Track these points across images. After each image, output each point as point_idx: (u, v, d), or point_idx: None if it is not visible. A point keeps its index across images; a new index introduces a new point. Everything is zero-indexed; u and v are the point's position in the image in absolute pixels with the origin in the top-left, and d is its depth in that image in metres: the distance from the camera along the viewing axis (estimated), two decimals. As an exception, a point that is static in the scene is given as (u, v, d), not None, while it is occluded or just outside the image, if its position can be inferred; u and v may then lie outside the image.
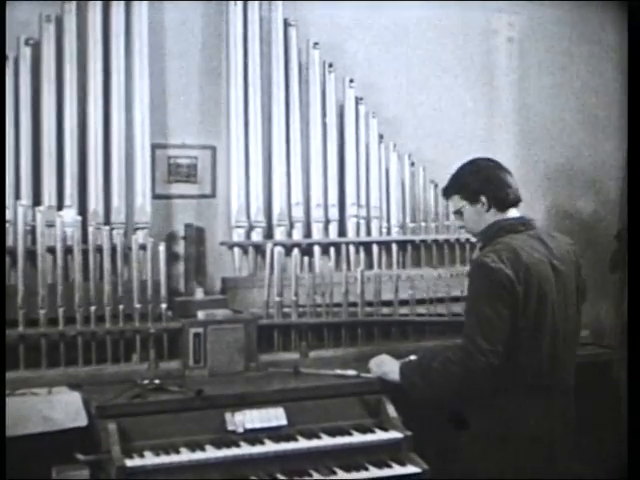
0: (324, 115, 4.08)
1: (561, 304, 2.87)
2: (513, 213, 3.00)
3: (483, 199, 2.97)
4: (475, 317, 2.79)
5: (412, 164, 4.23)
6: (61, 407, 2.94)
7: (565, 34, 4.76)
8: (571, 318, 2.92)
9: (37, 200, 3.54)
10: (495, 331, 2.74)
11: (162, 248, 3.48)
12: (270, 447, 2.95)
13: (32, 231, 3.38)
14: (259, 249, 3.92)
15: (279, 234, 3.96)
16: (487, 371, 2.74)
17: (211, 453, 2.87)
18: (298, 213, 4.01)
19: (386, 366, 3.22)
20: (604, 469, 3.83)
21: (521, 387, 2.81)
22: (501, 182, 3.00)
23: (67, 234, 3.41)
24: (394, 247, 4.16)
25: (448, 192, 3.12)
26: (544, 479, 2.84)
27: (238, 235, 3.90)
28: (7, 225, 3.43)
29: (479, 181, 2.99)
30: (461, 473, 2.91)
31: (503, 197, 2.98)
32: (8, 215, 3.43)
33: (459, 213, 3.07)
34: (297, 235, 4.01)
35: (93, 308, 3.34)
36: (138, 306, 3.39)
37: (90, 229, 3.42)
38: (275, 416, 3.04)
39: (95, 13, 3.64)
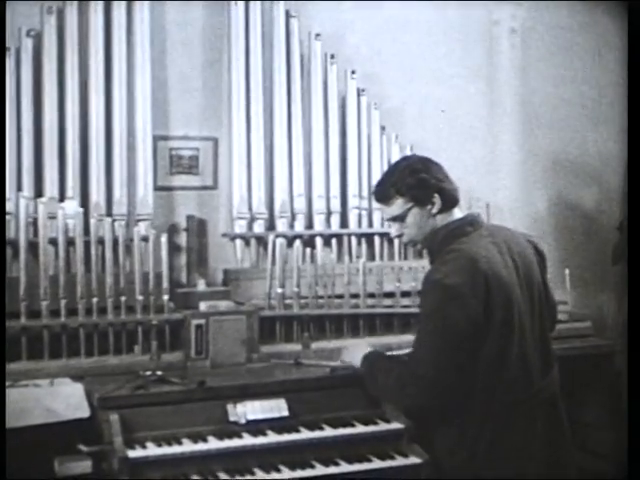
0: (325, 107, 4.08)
1: (527, 307, 2.55)
2: (458, 213, 2.63)
3: (436, 198, 2.56)
4: (429, 344, 2.47)
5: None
6: (63, 398, 2.94)
7: (568, 25, 4.75)
8: (538, 318, 2.60)
9: (39, 192, 3.55)
10: (450, 359, 2.43)
11: (164, 240, 3.47)
12: (272, 438, 2.94)
13: (34, 223, 3.39)
14: (261, 240, 3.92)
15: (281, 225, 3.96)
16: (442, 396, 2.50)
17: (213, 444, 2.87)
18: (300, 204, 4.01)
19: (357, 352, 2.98)
20: (604, 462, 3.83)
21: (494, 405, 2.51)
22: (449, 178, 2.63)
23: (69, 226, 3.40)
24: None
25: (388, 195, 2.61)
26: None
27: (240, 227, 3.90)
28: (9, 217, 3.43)
29: (429, 177, 2.58)
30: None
31: (454, 195, 2.60)
32: (10, 207, 3.44)
33: (399, 219, 2.62)
34: (299, 226, 4.01)
35: (95, 300, 3.33)
36: (140, 298, 3.39)
37: (92, 221, 3.41)
38: (277, 407, 3.03)
39: (97, 4, 3.65)
